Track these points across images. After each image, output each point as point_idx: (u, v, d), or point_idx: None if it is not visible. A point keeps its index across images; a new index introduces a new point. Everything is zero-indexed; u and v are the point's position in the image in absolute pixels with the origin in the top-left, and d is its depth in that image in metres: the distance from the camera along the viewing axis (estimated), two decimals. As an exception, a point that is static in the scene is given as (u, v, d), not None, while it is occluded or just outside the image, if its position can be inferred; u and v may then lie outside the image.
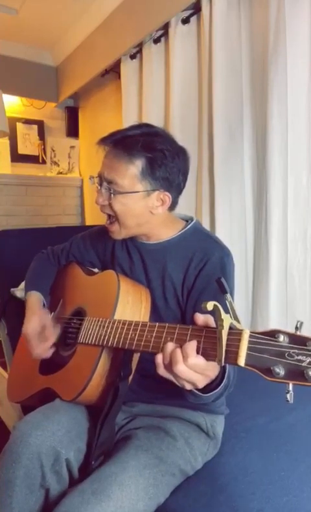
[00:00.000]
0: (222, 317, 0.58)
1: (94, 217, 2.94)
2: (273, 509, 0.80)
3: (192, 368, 0.63)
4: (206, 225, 1.66)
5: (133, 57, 2.08)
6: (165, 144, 0.91)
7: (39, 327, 1.02)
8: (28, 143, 2.81)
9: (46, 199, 2.89)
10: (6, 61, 2.60)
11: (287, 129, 1.35)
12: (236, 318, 0.60)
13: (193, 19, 1.71)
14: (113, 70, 2.31)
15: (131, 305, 0.92)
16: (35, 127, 2.83)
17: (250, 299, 1.57)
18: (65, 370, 0.97)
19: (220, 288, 0.62)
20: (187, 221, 1.03)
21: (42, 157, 2.87)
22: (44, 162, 2.89)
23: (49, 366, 1.03)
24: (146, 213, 0.94)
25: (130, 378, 0.92)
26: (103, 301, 0.95)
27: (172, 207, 0.97)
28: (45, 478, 0.83)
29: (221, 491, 0.85)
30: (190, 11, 1.69)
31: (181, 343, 0.66)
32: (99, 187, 0.94)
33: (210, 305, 0.58)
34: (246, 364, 0.55)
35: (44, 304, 1.11)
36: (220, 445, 0.99)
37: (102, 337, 0.86)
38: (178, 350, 0.64)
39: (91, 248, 1.15)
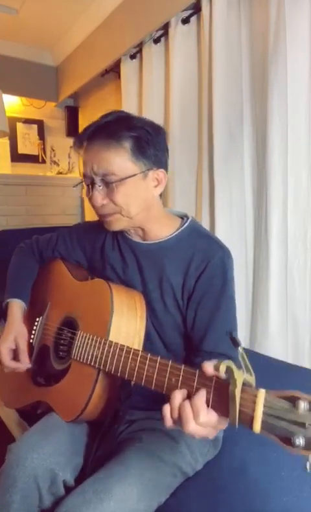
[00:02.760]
0: (235, 376, 0.54)
1: (93, 217, 2.93)
2: (273, 509, 0.80)
3: (203, 425, 0.59)
4: (206, 225, 1.66)
5: (133, 57, 2.08)
6: (144, 123, 0.89)
7: (14, 345, 0.99)
8: (27, 143, 2.81)
9: (46, 199, 2.89)
10: (6, 61, 2.59)
11: (288, 129, 1.35)
12: (249, 371, 0.56)
13: (193, 19, 1.71)
14: (113, 70, 2.31)
15: (127, 315, 0.88)
16: (35, 127, 2.83)
17: (250, 299, 1.57)
18: (61, 386, 0.94)
19: (233, 343, 0.59)
20: (182, 218, 0.99)
21: (42, 156, 2.87)
22: (44, 162, 2.89)
23: (43, 377, 1.01)
24: (148, 197, 0.90)
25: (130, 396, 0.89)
26: (96, 314, 0.91)
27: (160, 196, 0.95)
28: (42, 500, 0.82)
29: (221, 491, 0.85)
30: (190, 11, 1.69)
31: (187, 389, 0.62)
32: (91, 187, 0.89)
33: (223, 367, 0.55)
34: (262, 429, 0.51)
35: (24, 309, 1.07)
36: (220, 445, 0.99)
37: (98, 359, 0.82)
38: (187, 405, 0.59)
39: (77, 246, 1.10)
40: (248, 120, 1.53)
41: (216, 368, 0.55)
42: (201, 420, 0.58)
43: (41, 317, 1.10)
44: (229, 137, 1.55)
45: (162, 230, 0.95)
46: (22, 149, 2.79)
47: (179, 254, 0.92)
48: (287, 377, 1.24)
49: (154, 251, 0.95)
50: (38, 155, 2.85)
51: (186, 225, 0.95)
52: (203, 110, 1.67)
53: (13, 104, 2.76)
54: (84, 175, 0.90)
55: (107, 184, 0.86)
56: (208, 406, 0.59)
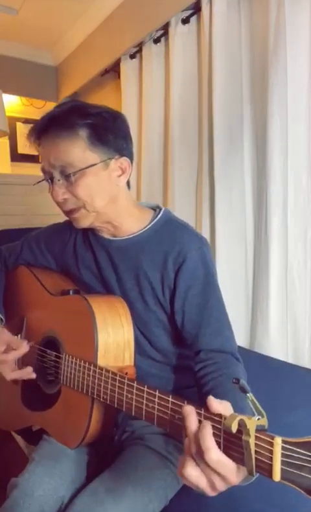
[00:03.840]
0: (248, 425, 0.50)
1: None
2: (274, 509, 0.80)
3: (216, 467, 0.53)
4: (206, 225, 1.66)
5: (132, 57, 2.07)
6: (99, 109, 0.85)
7: (4, 346, 0.91)
8: (27, 143, 2.81)
9: (46, 199, 2.88)
10: (6, 61, 2.59)
11: (288, 129, 1.35)
12: (260, 413, 0.53)
13: (193, 19, 1.71)
14: (113, 70, 2.30)
15: (112, 328, 0.84)
16: (35, 127, 2.84)
17: (250, 299, 1.57)
18: (55, 412, 0.90)
19: (241, 390, 0.55)
20: (155, 210, 0.94)
21: (42, 156, 2.87)
22: (44, 162, 2.89)
23: (34, 400, 0.97)
24: (113, 188, 0.85)
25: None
26: (79, 334, 0.86)
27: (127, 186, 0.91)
28: None
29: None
30: (190, 11, 1.69)
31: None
32: (51, 182, 0.84)
33: (235, 426, 0.51)
34: (283, 479, 0.48)
35: (1, 320, 1.01)
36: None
37: (90, 387, 0.77)
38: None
39: (46, 251, 1.04)
40: (248, 121, 1.53)
41: (227, 428, 0.51)
42: (213, 457, 0.51)
43: (19, 335, 1.05)
44: (229, 137, 1.55)
45: (133, 224, 0.89)
46: (22, 149, 2.79)
47: (155, 247, 0.87)
48: (287, 377, 1.24)
49: (128, 247, 0.89)
50: (38, 155, 2.85)
51: (159, 216, 0.90)
52: (203, 110, 1.67)
53: (13, 103, 2.76)
54: (43, 171, 0.85)
55: (67, 177, 0.82)
56: (220, 448, 0.53)
